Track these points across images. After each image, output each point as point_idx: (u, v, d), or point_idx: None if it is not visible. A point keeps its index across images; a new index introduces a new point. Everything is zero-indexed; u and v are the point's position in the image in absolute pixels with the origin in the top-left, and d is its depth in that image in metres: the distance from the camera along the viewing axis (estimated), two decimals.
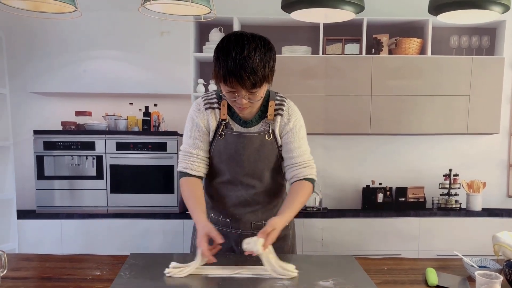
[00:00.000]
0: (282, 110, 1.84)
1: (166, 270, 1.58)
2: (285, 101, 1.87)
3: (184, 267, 1.60)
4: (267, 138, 1.83)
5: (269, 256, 1.59)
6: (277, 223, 1.64)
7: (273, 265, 1.58)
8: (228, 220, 1.95)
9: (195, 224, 2.05)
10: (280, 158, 1.89)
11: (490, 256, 1.83)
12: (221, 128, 1.83)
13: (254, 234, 1.92)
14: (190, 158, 1.85)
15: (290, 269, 1.59)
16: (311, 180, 1.86)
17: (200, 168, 1.86)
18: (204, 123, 1.84)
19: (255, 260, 1.74)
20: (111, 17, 3.63)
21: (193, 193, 1.82)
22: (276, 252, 1.97)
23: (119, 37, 3.65)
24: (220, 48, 1.63)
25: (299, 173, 1.85)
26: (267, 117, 1.84)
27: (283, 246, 2.01)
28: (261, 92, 1.68)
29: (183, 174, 1.86)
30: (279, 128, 1.85)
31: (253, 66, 1.58)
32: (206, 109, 1.84)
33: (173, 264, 1.62)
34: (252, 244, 1.56)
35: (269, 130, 1.83)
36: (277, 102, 1.85)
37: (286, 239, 2.03)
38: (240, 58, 1.57)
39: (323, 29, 3.72)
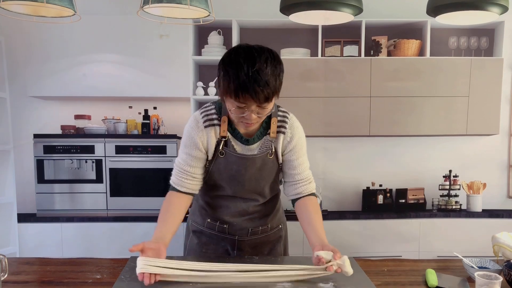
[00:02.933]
0: (285, 128, 1.78)
1: (140, 268, 1.44)
2: (287, 117, 1.81)
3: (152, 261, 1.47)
4: (269, 157, 1.78)
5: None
6: (330, 246, 1.58)
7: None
8: (225, 226, 1.92)
9: (188, 225, 2.05)
10: (278, 172, 1.87)
11: (490, 257, 1.83)
12: (221, 146, 1.75)
13: (251, 240, 1.95)
14: (183, 176, 1.77)
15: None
16: (315, 194, 1.87)
17: (191, 186, 1.78)
18: (202, 142, 1.75)
19: (248, 262, 1.74)
20: (110, 20, 3.64)
21: (170, 207, 1.73)
22: (270, 253, 1.98)
23: (118, 40, 3.65)
24: (227, 62, 1.55)
25: (304, 190, 1.83)
26: (269, 134, 1.77)
27: (277, 248, 2.02)
28: (271, 106, 1.61)
29: (171, 188, 1.80)
30: (282, 146, 1.79)
31: (266, 79, 1.51)
32: (205, 127, 1.74)
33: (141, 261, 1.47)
34: (347, 265, 1.51)
35: (271, 149, 1.78)
36: (279, 118, 1.78)
37: (280, 240, 2.04)
38: (252, 72, 1.49)
39: (322, 31, 3.73)
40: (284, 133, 1.78)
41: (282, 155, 1.82)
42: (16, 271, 1.70)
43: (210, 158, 1.78)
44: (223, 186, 1.84)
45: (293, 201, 1.87)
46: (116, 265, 1.79)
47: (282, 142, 1.79)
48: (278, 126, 1.78)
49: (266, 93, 1.52)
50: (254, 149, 1.77)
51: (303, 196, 1.83)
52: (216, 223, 1.93)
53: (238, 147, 1.76)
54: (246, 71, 1.50)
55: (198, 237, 1.98)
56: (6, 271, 1.57)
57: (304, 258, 1.86)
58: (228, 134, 1.75)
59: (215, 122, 1.75)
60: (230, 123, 1.75)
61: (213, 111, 1.76)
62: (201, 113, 1.77)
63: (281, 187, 1.97)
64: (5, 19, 2.32)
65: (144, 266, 1.44)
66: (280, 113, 1.80)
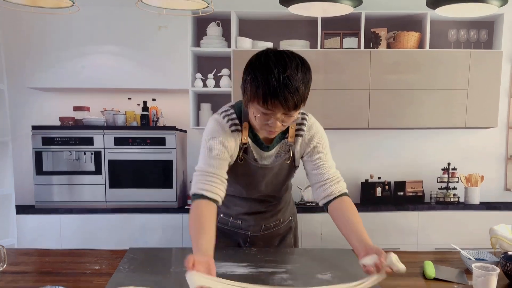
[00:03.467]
0: (303, 130, 1.72)
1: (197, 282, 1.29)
2: (306, 119, 1.74)
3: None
4: (286, 162, 1.75)
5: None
6: (374, 247, 1.47)
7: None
8: (238, 222, 1.93)
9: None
10: (293, 169, 1.81)
11: (487, 249, 1.84)
12: (241, 153, 1.69)
13: (264, 235, 1.95)
14: (209, 178, 1.60)
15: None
16: (347, 194, 1.76)
17: (218, 190, 1.61)
18: (230, 145, 1.65)
19: (261, 258, 1.75)
20: (109, 12, 3.62)
21: (203, 217, 1.54)
22: (280, 245, 1.98)
23: (117, 32, 3.64)
24: (256, 66, 1.46)
25: (334, 190, 1.72)
26: (287, 137, 1.72)
27: (287, 239, 2.02)
28: (296, 114, 1.54)
29: (198, 196, 1.59)
30: (299, 150, 1.75)
31: (296, 86, 1.43)
32: (232, 131, 1.65)
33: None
34: (396, 263, 1.41)
35: (289, 154, 1.74)
36: (298, 121, 1.71)
37: (290, 232, 2.04)
38: (283, 77, 1.41)
39: (321, 23, 3.72)
40: (302, 136, 1.73)
41: (302, 157, 1.77)
42: (15, 262, 1.71)
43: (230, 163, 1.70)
44: (239, 189, 1.83)
45: (326, 205, 1.75)
46: (115, 256, 1.80)
47: (301, 145, 1.74)
48: (296, 130, 1.72)
49: (296, 100, 1.45)
50: (272, 154, 1.74)
51: (335, 198, 1.72)
52: (229, 219, 1.94)
53: (257, 154, 1.73)
54: (277, 76, 1.42)
55: None
56: (4, 261, 1.58)
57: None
58: (249, 139, 1.69)
59: (239, 127, 1.67)
60: (251, 128, 1.68)
61: (234, 116, 1.68)
62: (223, 115, 1.68)
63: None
64: (3, 10, 2.31)
65: (200, 281, 1.29)
66: (299, 115, 1.67)
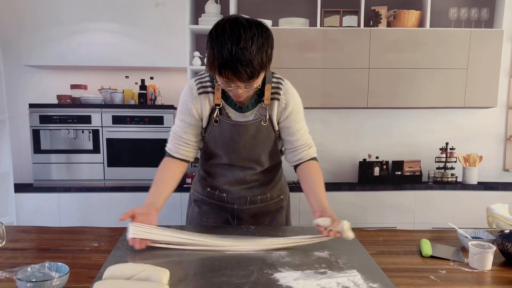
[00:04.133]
0: (279, 94, 1.76)
1: (131, 234, 1.49)
2: (282, 83, 1.78)
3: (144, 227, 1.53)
4: (263, 124, 1.77)
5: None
6: (329, 212, 1.59)
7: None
8: (224, 195, 1.94)
9: (190, 195, 2.07)
10: (276, 141, 1.86)
11: (484, 228, 1.85)
12: (216, 114, 1.75)
13: (250, 209, 1.95)
14: (179, 142, 1.82)
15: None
16: (316, 159, 1.88)
17: (187, 153, 1.83)
18: (197, 109, 1.76)
19: (252, 232, 1.76)
20: None
21: (163, 173, 1.79)
22: (270, 224, 2.00)
23: (113, 9, 3.59)
24: (213, 37, 1.49)
25: (305, 155, 1.84)
26: (263, 101, 1.76)
27: (278, 218, 2.03)
28: (258, 81, 1.58)
29: (167, 154, 1.84)
30: (276, 114, 1.78)
31: (249, 58, 1.46)
32: (199, 94, 1.75)
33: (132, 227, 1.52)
34: (346, 231, 1.53)
35: (265, 116, 1.76)
36: (273, 85, 1.76)
37: (281, 211, 2.05)
38: (236, 50, 1.44)
39: (321, 1, 3.67)
40: (278, 99, 1.76)
41: (278, 123, 1.81)
42: (14, 239, 1.71)
43: (204, 125, 1.79)
44: (220, 154, 1.85)
45: (295, 168, 1.88)
46: (114, 233, 1.81)
47: (277, 109, 1.77)
48: (272, 93, 1.76)
49: (250, 72, 1.48)
50: (248, 116, 1.77)
51: (305, 162, 1.85)
52: (216, 192, 1.95)
53: (233, 114, 1.77)
54: (230, 48, 1.45)
55: (198, 206, 2.00)
56: (4, 238, 1.59)
57: (301, 229, 1.88)
58: (222, 101, 1.76)
59: (209, 89, 1.75)
60: (224, 91, 1.74)
61: (207, 78, 1.76)
62: (195, 80, 1.79)
63: (283, 158, 1.98)
64: None
65: (135, 232, 1.49)
66: (274, 80, 1.78)
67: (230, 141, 1.79)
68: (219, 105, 1.75)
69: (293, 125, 1.80)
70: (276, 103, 1.77)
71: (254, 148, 1.82)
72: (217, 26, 1.51)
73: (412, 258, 1.57)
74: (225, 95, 1.76)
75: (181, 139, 1.81)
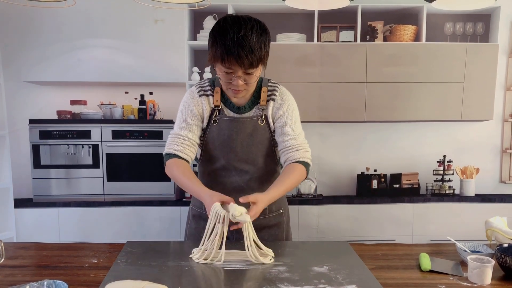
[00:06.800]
0: (275, 95, 1.87)
1: (195, 258, 1.62)
2: (277, 87, 1.89)
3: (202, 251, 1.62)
4: (259, 123, 1.85)
5: (249, 230, 1.59)
6: (260, 198, 1.63)
7: (251, 240, 1.59)
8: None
9: (189, 210, 2.06)
10: (273, 144, 1.90)
11: (483, 241, 1.86)
12: (215, 114, 1.85)
13: None
14: (180, 140, 1.83)
15: (267, 253, 1.63)
16: (304, 164, 1.83)
17: (189, 152, 1.84)
18: (198, 109, 1.85)
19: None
20: (105, 5, 3.60)
21: (186, 170, 1.79)
22: (270, 239, 1.99)
23: (113, 25, 3.62)
24: (216, 30, 1.65)
25: (292, 156, 1.83)
26: (260, 103, 1.86)
27: (277, 233, 2.02)
28: (257, 73, 1.71)
29: (171, 156, 1.83)
30: (272, 113, 1.86)
31: (250, 45, 1.60)
32: (200, 95, 1.86)
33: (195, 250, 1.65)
34: (235, 210, 1.55)
35: (262, 115, 1.85)
36: (269, 88, 1.87)
37: (281, 226, 2.04)
38: (238, 37, 1.59)
39: (317, 16, 3.71)
40: (274, 100, 1.86)
41: (273, 122, 1.88)
42: (13, 256, 1.72)
43: (204, 126, 1.88)
44: (217, 155, 1.89)
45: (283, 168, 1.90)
46: (113, 249, 1.81)
47: (272, 109, 1.86)
48: (268, 95, 1.87)
49: (251, 59, 1.62)
50: (245, 116, 1.86)
51: (291, 163, 1.83)
52: None
53: (230, 114, 1.87)
54: (232, 36, 1.59)
55: (196, 221, 2.00)
56: (2, 255, 1.59)
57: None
58: (221, 103, 1.86)
59: (209, 92, 1.87)
60: (223, 94, 1.86)
61: (207, 83, 1.89)
62: (196, 85, 1.91)
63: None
64: None
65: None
66: (270, 84, 1.89)
67: (228, 139, 1.85)
68: (218, 106, 1.85)
69: (285, 125, 1.85)
70: (271, 103, 1.87)
71: (251, 148, 1.87)
72: (219, 21, 1.67)
73: (411, 273, 1.57)
74: (223, 98, 1.86)
75: (183, 138, 1.84)
